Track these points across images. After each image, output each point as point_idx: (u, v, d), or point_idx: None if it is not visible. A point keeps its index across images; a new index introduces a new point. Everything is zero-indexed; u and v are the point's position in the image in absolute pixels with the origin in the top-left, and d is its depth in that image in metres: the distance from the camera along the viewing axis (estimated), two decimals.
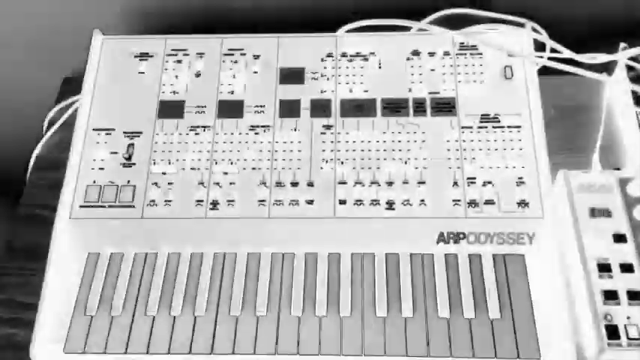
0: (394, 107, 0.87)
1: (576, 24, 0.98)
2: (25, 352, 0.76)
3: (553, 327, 0.75)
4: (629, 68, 0.92)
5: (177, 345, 0.76)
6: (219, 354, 0.76)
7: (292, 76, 0.90)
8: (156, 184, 0.84)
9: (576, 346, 0.74)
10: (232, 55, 0.92)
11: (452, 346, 0.75)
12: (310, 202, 0.82)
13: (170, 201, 0.83)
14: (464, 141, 0.84)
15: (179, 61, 0.91)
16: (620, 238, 0.78)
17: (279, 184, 0.83)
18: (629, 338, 0.72)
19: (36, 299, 0.78)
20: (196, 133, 0.87)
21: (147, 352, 0.76)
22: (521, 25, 0.91)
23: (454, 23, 0.92)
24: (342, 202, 0.82)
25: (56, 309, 0.79)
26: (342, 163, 0.84)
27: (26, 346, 0.76)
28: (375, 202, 0.82)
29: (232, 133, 0.87)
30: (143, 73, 0.91)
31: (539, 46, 0.91)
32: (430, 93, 0.87)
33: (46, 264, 0.80)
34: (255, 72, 0.90)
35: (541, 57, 0.91)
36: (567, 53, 0.91)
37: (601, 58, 0.92)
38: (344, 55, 0.91)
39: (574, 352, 0.73)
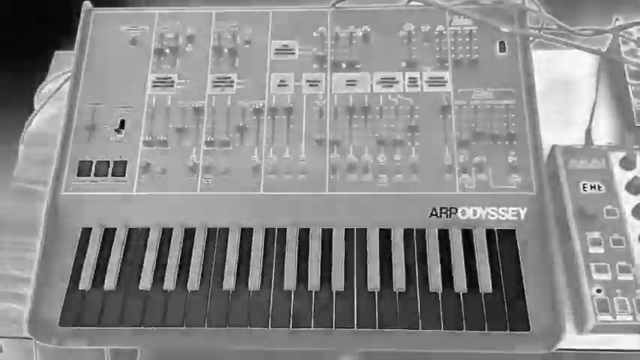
0: (387, 82, 0.86)
1: None
2: (20, 326, 0.77)
3: (543, 300, 0.76)
4: (623, 42, 0.91)
5: (170, 319, 0.77)
6: (212, 327, 0.76)
7: (283, 51, 0.89)
8: (147, 158, 0.84)
9: (567, 318, 0.75)
10: (224, 27, 0.91)
11: (443, 319, 0.75)
12: (303, 177, 0.82)
13: (162, 175, 0.83)
14: (457, 115, 0.84)
15: (170, 34, 0.90)
16: (611, 212, 0.79)
17: (272, 159, 0.83)
18: (619, 310, 0.73)
19: (30, 274, 0.79)
20: (188, 107, 0.86)
21: (140, 326, 0.77)
22: None
23: None
24: (335, 177, 0.82)
25: (50, 283, 0.79)
26: (335, 138, 0.84)
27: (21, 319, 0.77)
28: (368, 177, 0.82)
29: (223, 107, 0.86)
30: (134, 45, 0.90)
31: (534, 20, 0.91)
32: (423, 67, 0.87)
33: (39, 239, 0.80)
34: (247, 45, 0.90)
35: (535, 31, 0.90)
36: (562, 27, 0.90)
37: (595, 32, 0.92)
38: (336, 29, 0.90)
39: (564, 324, 0.73)
